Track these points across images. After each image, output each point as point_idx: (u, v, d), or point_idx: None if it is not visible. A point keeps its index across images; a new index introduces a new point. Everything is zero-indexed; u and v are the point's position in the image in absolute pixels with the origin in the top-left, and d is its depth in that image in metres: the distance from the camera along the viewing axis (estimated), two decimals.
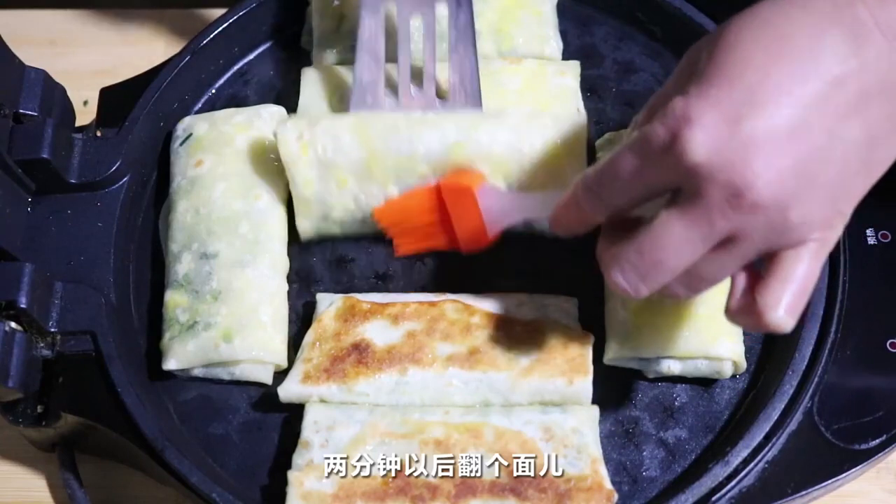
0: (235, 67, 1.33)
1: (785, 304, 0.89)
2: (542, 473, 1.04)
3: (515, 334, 1.11)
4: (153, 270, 1.21)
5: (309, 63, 1.29)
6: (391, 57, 1.19)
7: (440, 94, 1.19)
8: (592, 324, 1.15)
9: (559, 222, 0.99)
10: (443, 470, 1.04)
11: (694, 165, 0.84)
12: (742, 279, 0.92)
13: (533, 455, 1.04)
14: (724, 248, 0.87)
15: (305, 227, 1.19)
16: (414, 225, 1.15)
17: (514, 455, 1.04)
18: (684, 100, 0.85)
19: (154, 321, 1.17)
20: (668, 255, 0.88)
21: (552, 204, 0.99)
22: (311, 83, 1.25)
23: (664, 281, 0.90)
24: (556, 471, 1.04)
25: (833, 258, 1.14)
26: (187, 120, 1.26)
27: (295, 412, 1.11)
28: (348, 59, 1.25)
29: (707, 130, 0.83)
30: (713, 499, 1.05)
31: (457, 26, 1.17)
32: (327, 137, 1.14)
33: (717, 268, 0.89)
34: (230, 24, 1.30)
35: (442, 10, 1.18)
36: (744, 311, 0.91)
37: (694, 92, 0.85)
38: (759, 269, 0.91)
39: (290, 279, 1.19)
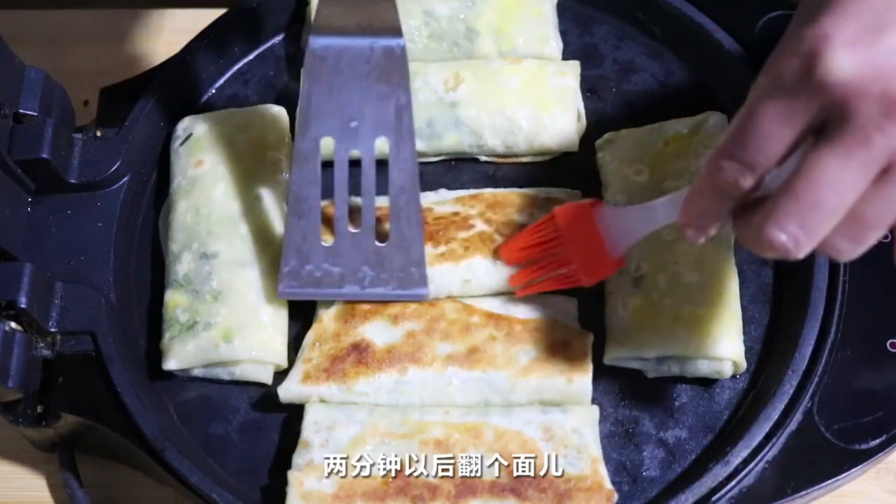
0: (235, 67, 1.33)
1: None
2: (542, 473, 1.04)
3: (515, 334, 1.11)
4: (153, 270, 1.21)
5: None
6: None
7: (381, 238, 1.12)
8: (592, 324, 1.15)
9: (692, 218, 0.90)
10: (443, 470, 1.04)
11: (840, 83, 0.76)
12: None
13: (533, 455, 1.04)
14: (886, 177, 0.79)
15: None
16: (536, 259, 1.11)
17: (514, 455, 1.04)
18: (815, 24, 0.78)
19: (154, 321, 1.17)
20: (828, 192, 0.79)
21: (677, 205, 0.92)
22: None
23: (826, 227, 0.81)
24: (556, 471, 1.04)
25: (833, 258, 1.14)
26: (187, 120, 1.26)
27: (295, 412, 1.11)
28: None
29: (848, 43, 0.76)
30: (713, 499, 1.05)
31: (399, 166, 1.09)
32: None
33: (882, 206, 0.81)
34: (230, 23, 1.30)
35: (383, 147, 1.09)
36: None
37: (825, 14, 0.78)
38: None
39: None
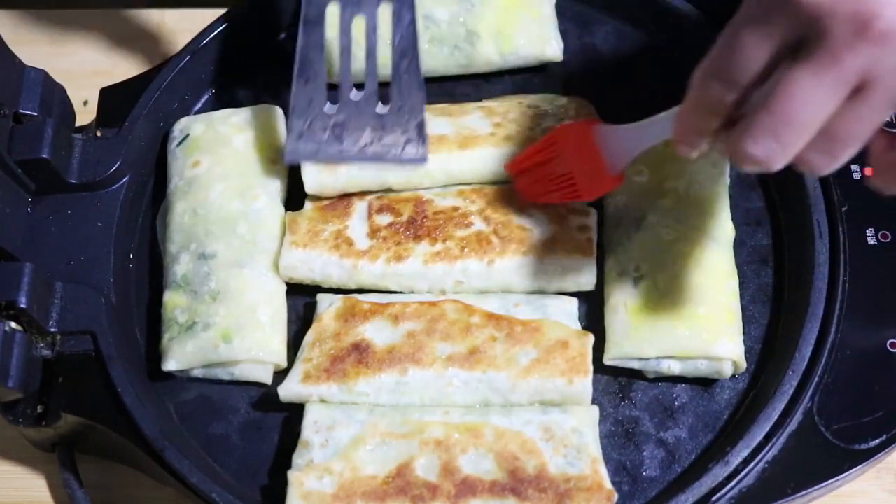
0: (235, 67, 1.33)
1: None
2: (542, 473, 1.04)
3: (515, 334, 1.11)
4: (153, 270, 1.21)
5: None
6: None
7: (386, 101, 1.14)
8: (592, 324, 1.15)
9: (684, 134, 0.94)
10: (443, 470, 1.04)
11: (814, 2, 0.80)
12: (880, 140, 0.89)
13: (533, 455, 1.04)
14: (858, 97, 0.83)
15: None
16: (539, 176, 1.15)
17: (514, 455, 1.04)
18: None
19: (154, 321, 1.17)
20: (801, 108, 0.83)
21: (670, 123, 0.96)
22: None
23: (799, 142, 0.85)
24: (556, 471, 1.04)
25: (833, 258, 1.14)
26: (184, 120, 1.26)
27: (295, 412, 1.11)
28: None
29: None
30: (713, 499, 1.05)
31: (400, 29, 1.11)
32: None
33: (853, 123, 0.84)
34: (230, 24, 1.30)
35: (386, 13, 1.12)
36: (889, 165, 0.88)
37: None
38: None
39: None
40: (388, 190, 1.21)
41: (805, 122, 0.84)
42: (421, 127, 1.12)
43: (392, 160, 1.13)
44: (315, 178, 1.18)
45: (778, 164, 0.86)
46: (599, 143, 1.10)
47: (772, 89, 0.84)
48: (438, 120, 1.22)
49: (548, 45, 1.28)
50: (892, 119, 1.20)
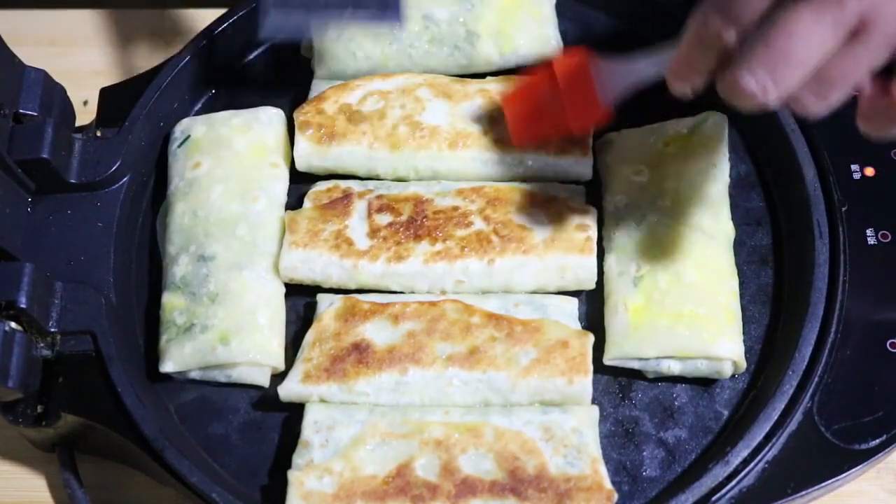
0: (235, 68, 1.33)
1: None
2: (542, 473, 1.04)
3: (515, 334, 1.10)
4: (153, 270, 1.21)
5: (308, 63, 1.30)
6: None
7: None
8: (592, 324, 1.15)
9: (679, 70, 0.94)
10: (443, 470, 1.04)
11: None
12: (872, 86, 0.90)
13: (533, 455, 1.04)
14: (855, 39, 0.84)
15: None
16: (531, 106, 1.16)
17: (515, 455, 1.04)
18: None
19: (154, 322, 1.17)
20: (798, 44, 0.84)
21: (666, 59, 0.96)
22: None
23: (794, 79, 0.85)
24: (556, 471, 1.04)
25: (833, 258, 1.14)
26: (185, 122, 1.26)
27: (295, 412, 1.11)
28: (349, 67, 1.27)
29: None
30: (713, 499, 1.05)
31: None
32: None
33: (849, 66, 0.86)
34: (230, 24, 1.30)
35: None
36: (878, 109, 0.90)
37: None
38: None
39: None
40: (379, 178, 1.21)
41: (802, 60, 0.85)
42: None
43: (368, 24, 1.17)
44: (306, 159, 1.21)
45: (770, 100, 0.86)
46: (593, 73, 1.10)
47: (771, 25, 0.85)
48: (437, 103, 1.22)
49: (548, 44, 1.28)
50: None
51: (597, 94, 1.10)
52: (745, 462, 1.06)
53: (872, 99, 0.91)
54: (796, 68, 0.85)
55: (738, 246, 1.18)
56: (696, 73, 0.93)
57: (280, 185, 1.22)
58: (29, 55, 1.20)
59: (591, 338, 1.11)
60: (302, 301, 1.19)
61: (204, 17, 1.34)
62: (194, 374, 1.14)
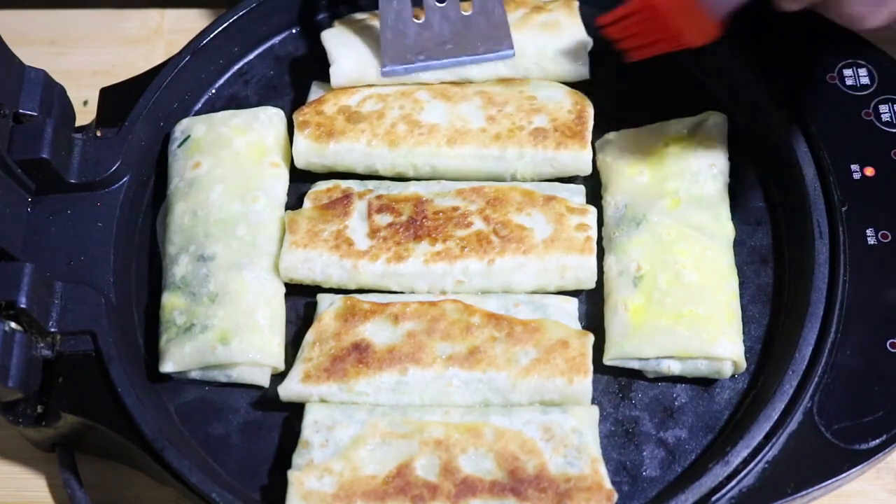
0: (235, 67, 1.33)
1: None
2: (542, 473, 1.04)
3: (515, 334, 1.11)
4: (153, 270, 1.21)
5: (308, 63, 1.30)
6: None
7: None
8: (592, 324, 1.15)
9: None
10: (443, 470, 1.04)
11: None
12: None
13: (533, 455, 1.04)
14: None
15: None
16: (639, 28, 1.15)
17: (514, 455, 1.04)
18: None
19: (154, 322, 1.17)
20: None
21: None
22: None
23: None
24: (556, 471, 1.04)
25: (833, 258, 1.14)
26: (185, 122, 1.26)
27: (295, 412, 1.11)
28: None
29: None
30: (713, 499, 1.05)
31: None
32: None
33: None
34: (230, 24, 1.30)
35: None
36: None
37: None
38: None
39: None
40: (377, 176, 1.21)
41: None
42: (503, 24, 1.23)
43: (482, 59, 1.24)
44: (304, 156, 1.22)
45: None
46: None
47: None
48: (435, 104, 1.23)
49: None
50: (892, 120, 1.21)
51: (705, 14, 1.07)
52: (745, 462, 1.06)
53: None
54: None
55: (738, 246, 1.18)
56: None
57: (280, 184, 1.22)
58: (29, 55, 1.20)
59: (591, 338, 1.11)
60: (302, 301, 1.19)
61: (204, 17, 1.34)
62: (194, 374, 1.14)
